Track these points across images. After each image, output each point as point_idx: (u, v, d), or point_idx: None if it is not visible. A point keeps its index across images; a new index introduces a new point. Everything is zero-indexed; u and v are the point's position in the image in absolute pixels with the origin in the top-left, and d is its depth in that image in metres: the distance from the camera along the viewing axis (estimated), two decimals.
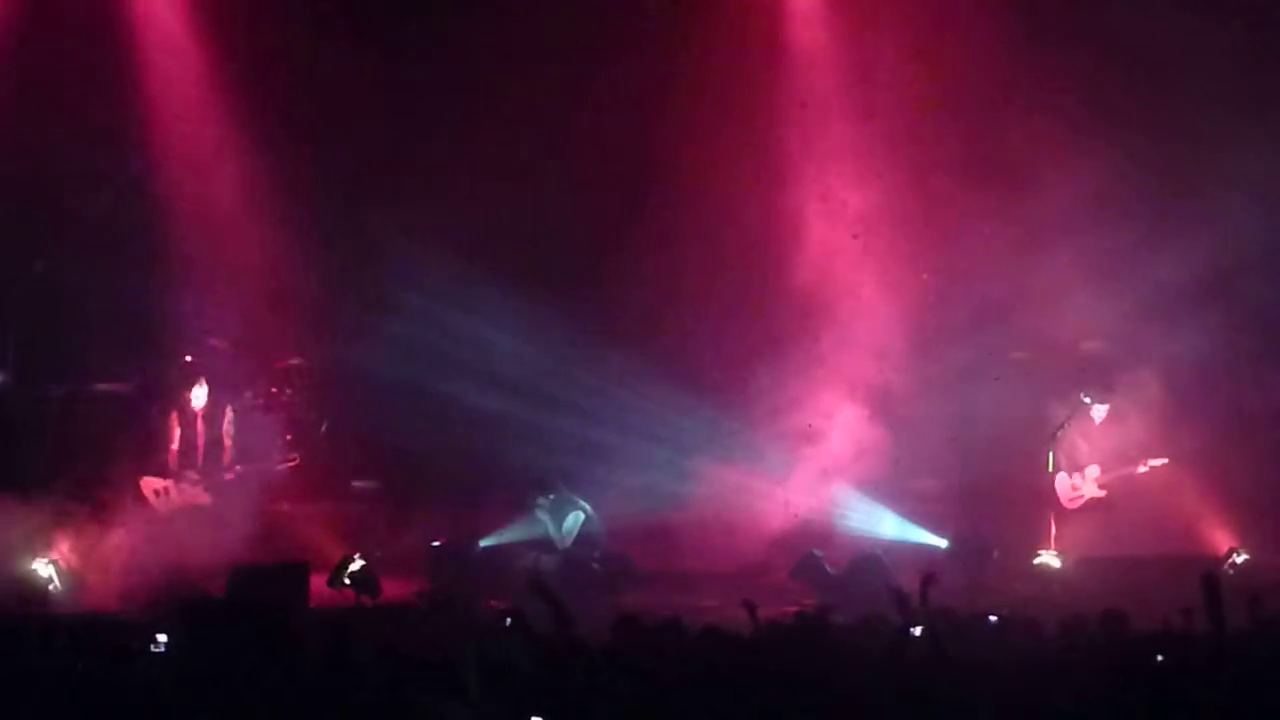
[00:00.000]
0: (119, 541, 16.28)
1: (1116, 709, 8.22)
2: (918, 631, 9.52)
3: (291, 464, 16.85)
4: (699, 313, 19.80)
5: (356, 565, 16.77)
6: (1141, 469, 18.23)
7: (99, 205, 19.58)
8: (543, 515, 17.64)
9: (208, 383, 16.98)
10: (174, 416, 16.71)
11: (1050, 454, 18.12)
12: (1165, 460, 18.17)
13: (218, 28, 19.47)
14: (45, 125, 19.14)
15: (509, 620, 10.71)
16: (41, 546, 16.38)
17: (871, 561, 17.19)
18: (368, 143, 19.56)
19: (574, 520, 17.55)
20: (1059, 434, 18.21)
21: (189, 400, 16.79)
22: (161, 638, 11.43)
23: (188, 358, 18.49)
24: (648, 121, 19.33)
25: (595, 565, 17.27)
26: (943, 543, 18.31)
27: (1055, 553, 17.80)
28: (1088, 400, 18.42)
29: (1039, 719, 8.54)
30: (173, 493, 16.49)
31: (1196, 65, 18.73)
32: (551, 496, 17.58)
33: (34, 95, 19.13)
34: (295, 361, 19.68)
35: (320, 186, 19.43)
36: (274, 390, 19.37)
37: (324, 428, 19.51)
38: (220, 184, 19.26)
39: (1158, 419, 18.38)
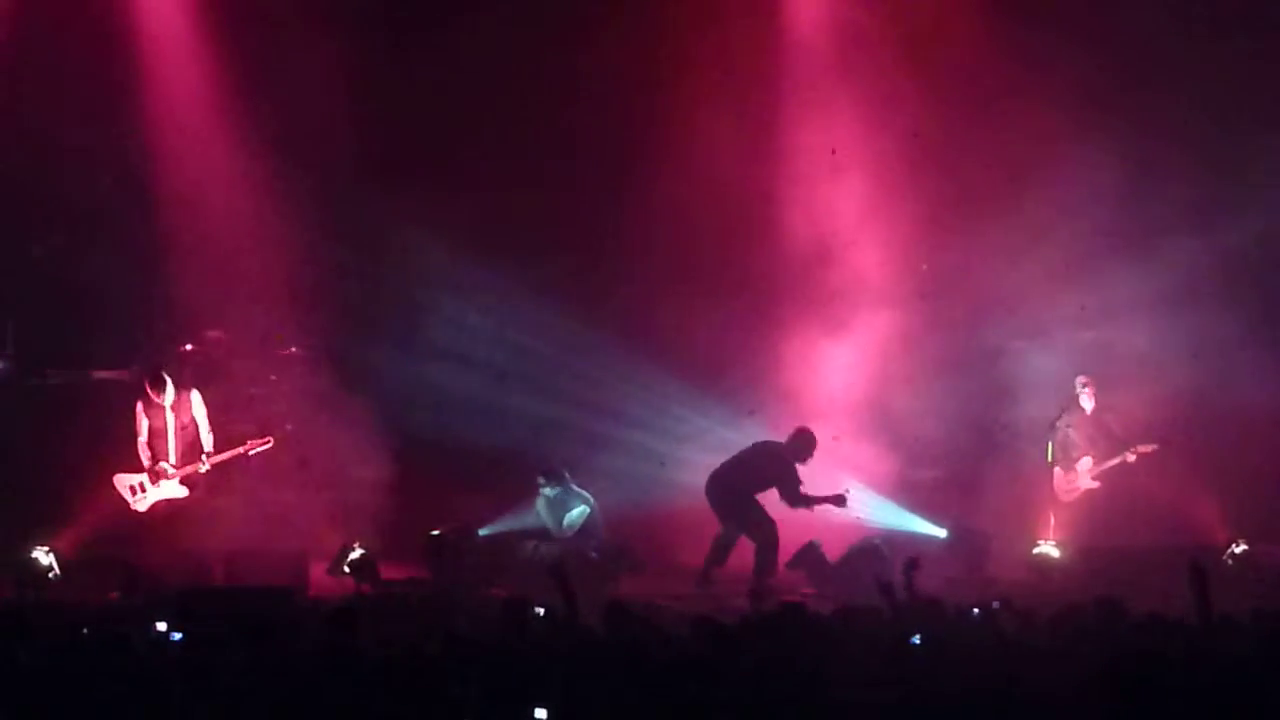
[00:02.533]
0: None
1: (1110, 697, 8.23)
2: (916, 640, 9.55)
3: (265, 445, 16.55)
4: (701, 304, 19.82)
5: (356, 554, 16.83)
6: (1130, 457, 18.16)
7: (98, 191, 19.57)
8: (541, 504, 17.65)
9: (174, 373, 16.60)
10: (139, 408, 16.31)
11: (1049, 445, 18.11)
12: (1154, 446, 18.11)
13: (221, 19, 19.50)
14: (45, 110, 19.17)
15: (541, 611, 10.82)
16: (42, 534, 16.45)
17: (870, 552, 17.19)
18: (369, 133, 19.57)
19: (579, 513, 17.57)
20: (1058, 424, 18.20)
21: (151, 392, 16.32)
22: (161, 626, 11.43)
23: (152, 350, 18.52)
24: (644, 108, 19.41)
25: (593, 554, 17.29)
26: (941, 532, 18.33)
27: (1054, 543, 17.79)
28: (1088, 389, 18.38)
29: (1032, 708, 8.55)
30: (147, 489, 16.21)
31: (1194, 66, 18.81)
32: (556, 488, 17.57)
33: (34, 80, 19.16)
34: (293, 350, 19.69)
35: (321, 176, 19.44)
36: (273, 379, 19.39)
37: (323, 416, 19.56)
38: (221, 172, 19.27)
39: (1152, 408, 18.41)
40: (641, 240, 19.55)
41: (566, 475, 17.65)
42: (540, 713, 8.47)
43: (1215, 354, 18.55)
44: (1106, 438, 18.25)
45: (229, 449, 16.64)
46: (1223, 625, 9.71)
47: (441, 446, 18.88)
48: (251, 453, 16.44)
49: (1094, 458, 18.27)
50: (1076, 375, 18.47)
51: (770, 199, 19.74)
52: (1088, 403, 18.33)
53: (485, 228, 19.30)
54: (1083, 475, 18.27)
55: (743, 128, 19.63)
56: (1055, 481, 18.23)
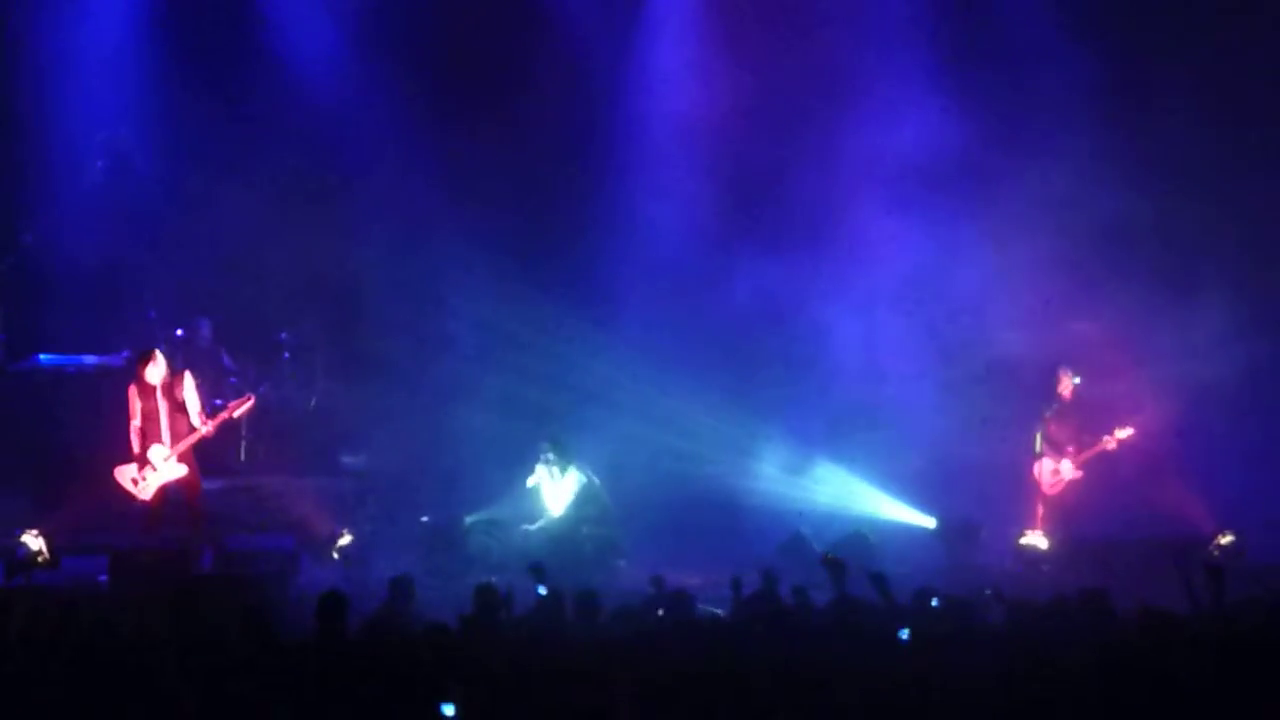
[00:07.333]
0: None
1: (1102, 689, 8.25)
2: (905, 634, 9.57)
3: (247, 404, 16.41)
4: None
5: (345, 541, 16.85)
6: (1110, 443, 18.10)
7: (91, 176, 19.60)
8: (542, 475, 17.65)
9: (167, 356, 16.50)
10: (131, 391, 16.18)
11: (1037, 435, 18.11)
12: (1130, 430, 18.05)
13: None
14: (39, 99, 19.21)
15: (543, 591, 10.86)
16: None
17: (858, 541, 17.21)
18: (365, 125, 19.65)
19: (578, 486, 17.59)
20: (1047, 415, 18.18)
21: (143, 374, 16.19)
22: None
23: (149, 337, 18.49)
24: None
25: (585, 543, 17.31)
26: (930, 522, 18.35)
27: (1041, 532, 17.79)
28: (1079, 380, 18.37)
29: (1025, 699, 8.58)
30: (148, 476, 16.07)
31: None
32: (560, 458, 17.58)
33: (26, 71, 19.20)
34: (284, 336, 19.69)
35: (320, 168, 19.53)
36: (263, 364, 19.41)
37: (312, 403, 19.55)
38: (213, 159, 19.30)
39: (1137, 396, 18.47)
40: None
41: (568, 443, 17.71)
42: (448, 709, 8.48)
43: (1207, 345, 18.62)
44: (1086, 428, 18.20)
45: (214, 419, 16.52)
46: (1218, 616, 9.73)
47: (431, 432, 18.93)
48: (236, 413, 16.29)
49: (1075, 448, 18.20)
50: (1060, 365, 18.44)
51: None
52: (1068, 393, 18.29)
53: (488, 219, 19.44)
54: (1066, 466, 18.19)
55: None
56: (1039, 474, 18.19)
